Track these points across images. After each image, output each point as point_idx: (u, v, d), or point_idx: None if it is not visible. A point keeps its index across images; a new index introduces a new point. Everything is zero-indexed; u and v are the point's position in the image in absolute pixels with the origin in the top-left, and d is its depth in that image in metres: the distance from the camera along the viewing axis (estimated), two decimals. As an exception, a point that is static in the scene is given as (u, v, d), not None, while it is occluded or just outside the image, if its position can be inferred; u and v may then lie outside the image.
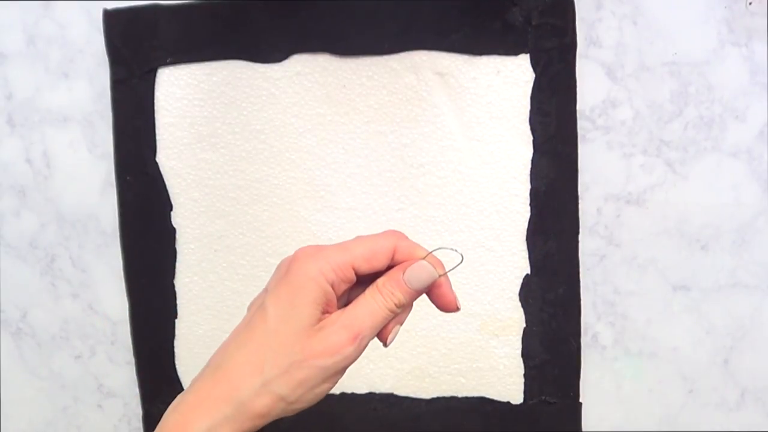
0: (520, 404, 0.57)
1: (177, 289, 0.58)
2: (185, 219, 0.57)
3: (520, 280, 0.56)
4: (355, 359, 0.35)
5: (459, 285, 0.56)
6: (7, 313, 0.60)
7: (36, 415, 0.61)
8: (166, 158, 0.56)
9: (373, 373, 0.58)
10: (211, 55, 0.55)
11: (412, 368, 0.57)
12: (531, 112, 0.54)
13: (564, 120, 0.54)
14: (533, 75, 0.53)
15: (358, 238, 0.35)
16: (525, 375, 0.57)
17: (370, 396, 0.58)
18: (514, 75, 0.54)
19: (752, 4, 0.53)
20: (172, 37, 0.54)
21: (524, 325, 0.56)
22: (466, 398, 0.57)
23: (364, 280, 0.36)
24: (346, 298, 0.36)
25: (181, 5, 0.54)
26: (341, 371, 0.34)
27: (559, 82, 0.53)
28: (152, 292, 0.58)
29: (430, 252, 0.36)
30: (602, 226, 0.56)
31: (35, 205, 0.58)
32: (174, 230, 0.57)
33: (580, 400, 0.57)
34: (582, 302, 0.56)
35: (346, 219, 0.56)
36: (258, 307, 0.35)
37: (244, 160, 0.56)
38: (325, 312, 0.34)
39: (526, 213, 0.55)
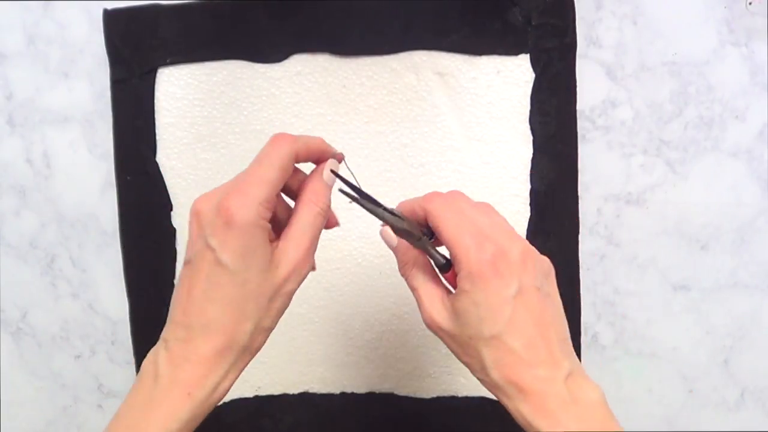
0: (520, 404, 0.57)
1: (177, 289, 0.58)
2: (185, 219, 0.56)
3: (520, 280, 0.55)
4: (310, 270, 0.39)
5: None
6: (7, 313, 0.60)
7: (36, 415, 0.61)
8: (166, 158, 0.56)
9: (374, 373, 0.58)
10: (211, 55, 0.54)
11: (412, 368, 0.57)
12: (531, 112, 0.54)
13: (564, 120, 0.54)
14: (533, 75, 0.53)
15: (261, 162, 0.37)
16: (525, 375, 0.57)
17: (371, 396, 0.58)
18: (514, 75, 0.54)
19: (752, 4, 0.53)
20: (172, 37, 0.54)
21: (524, 325, 0.56)
22: (467, 398, 0.57)
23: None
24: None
25: (181, 5, 0.54)
26: (297, 288, 0.39)
27: (559, 82, 0.53)
28: (152, 292, 0.58)
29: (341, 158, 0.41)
30: (602, 226, 0.56)
31: (35, 205, 0.58)
32: (174, 230, 0.57)
33: (580, 400, 0.57)
34: (582, 302, 0.56)
35: (346, 219, 0.56)
36: (210, 263, 0.36)
37: (245, 160, 0.55)
38: (272, 241, 0.38)
39: (526, 213, 0.55)
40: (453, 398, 0.58)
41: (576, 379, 0.36)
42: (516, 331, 0.36)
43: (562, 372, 0.36)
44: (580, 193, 0.55)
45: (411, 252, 0.41)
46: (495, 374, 0.37)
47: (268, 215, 0.36)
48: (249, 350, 0.38)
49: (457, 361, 0.58)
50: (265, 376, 0.58)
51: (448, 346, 0.39)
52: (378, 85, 0.54)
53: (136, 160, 0.56)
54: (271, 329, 0.39)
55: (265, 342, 0.39)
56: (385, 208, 0.40)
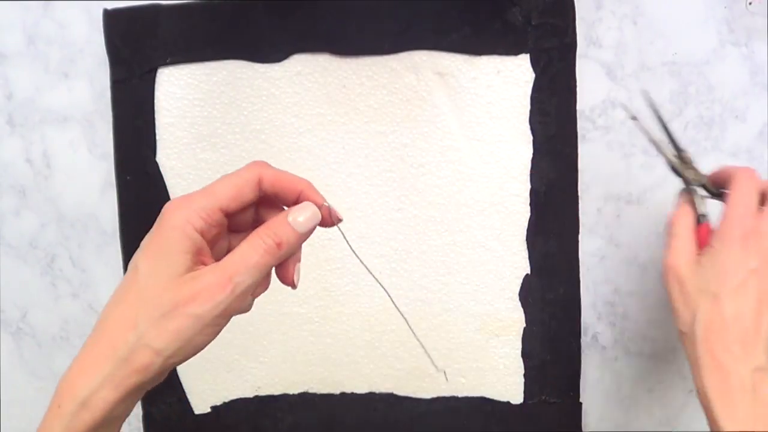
0: (520, 404, 0.57)
1: (177, 289, 0.57)
2: (185, 219, 0.56)
3: (520, 280, 0.56)
4: (234, 309, 0.34)
5: (459, 285, 0.56)
6: (7, 313, 0.60)
7: (36, 415, 0.61)
8: (166, 158, 0.56)
9: (373, 373, 0.58)
10: (211, 55, 0.55)
11: (412, 368, 0.57)
12: (531, 112, 0.54)
13: (564, 120, 0.54)
14: (533, 75, 0.53)
15: (222, 177, 0.35)
16: (525, 375, 0.57)
17: (371, 396, 0.58)
18: (514, 75, 0.54)
19: (752, 4, 0.53)
20: (172, 37, 0.54)
21: (524, 325, 0.56)
22: (466, 398, 0.57)
23: (243, 228, 0.36)
24: (227, 247, 0.36)
25: (181, 5, 0.54)
26: (217, 322, 0.33)
27: (559, 82, 0.53)
28: (152, 292, 0.58)
29: (325, 204, 0.37)
30: (602, 226, 0.56)
31: (35, 205, 0.58)
32: (174, 230, 0.57)
33: (580, 400, 0.57)
34: (582, 302, 0.56)
35: (346, 219, 0.56)
36: (131, 265, 0.34)
37: (244, 160, 0.56)
38: (199, 263, 0.34)
39: (526, 213, 0.55)
40: (453, 398, 0.58)
41: (764, 376, 0.38)
42: (735, 301, 0.39)
43: (755, 361, 0.38)
44: (580, 193, 0.55)
45: (688, 205, 0.45)
46: (699, 330, 0.40)
47: (201, 224, 0.33)
48: (129, 366, 0.33)
49: (458, 361, 0.58)
50: (265, 376, 0.58)
51: (671, 294, 0.43)
52: (378, 85, 0.54)
53: (136, 160, 0.56)
54: (160, 354, 0.33)
55: (156, 369, 0.33)
56: (676, 147, 0.47)
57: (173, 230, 0.33)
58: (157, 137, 0.56)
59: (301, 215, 0.35)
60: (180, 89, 0.55)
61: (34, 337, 0.60)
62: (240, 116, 0.55)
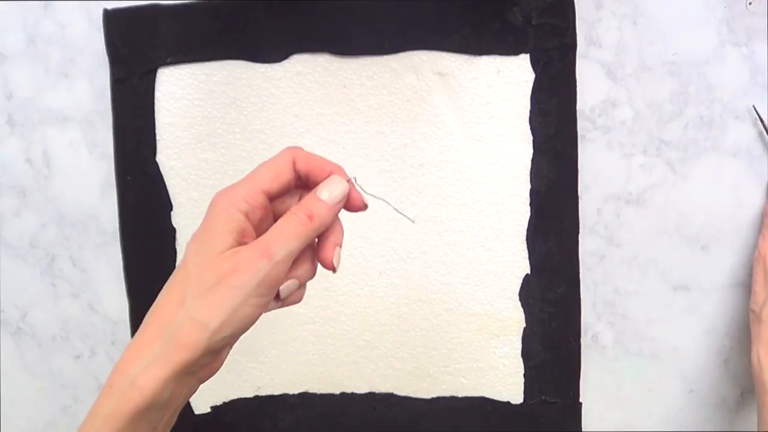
0: (520, 404, 0.57)
1: (177, 289, 0.57)
2: (185, 219, 0.57)
3: (520, 280, 0.56)
4: (274, 280, 0.35)
5: (459, 285, 0.56)
6: (7, 313, 0.60)
7: (36, 415, 0.61)
8: (166, 158, 0.56)
9: (373, 373, 0.58)
10: (211, 55, 0.55)
11: (412, 368, 0.57)
12: (531, 112, 0.54)
13: (564, 120, 0.54)
14: (533, 75, 0.53)
15: (260, 165, 0.37)
16: (525, 375, 0.57)
17: (371, 396, 0.58)
18: (514, 75, 0.54)
19: (752, 4, 0.53)
20: (172, 37, 0.54)
21: (524, 325, 0.56)
22: (466, 398, 0.57)
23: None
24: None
25: (181, 5, 0.54)
26: (258, 292, 0.35)
27: (559, 82, 0.53)
28: (152, 292, 0.57)
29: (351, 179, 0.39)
30: (602, 226, 0.56)
31: (35, 205, 0.58)
32: (174, 230, 0.57)
33: (580, 400, 0.57)
34: (582, 302, 0.56)
35: (345, 219, 0.56)
36: (185, 252, 0.37)
37: (244, 160, 0.56)
38: (242, 243, 0.36)
39: (526, 213, 0.55)
40: (453, 398, 0.58)
41: None
42: None
43: None
44: (580, 193, 0.55)
45: None
46: (765, 312, 0.50)
47: (245, 206, 0.35)
48: (177, 342, 0.34)
49: (457, 361, 0.58)
50: (265, 376, 0.58)
51: (754, 276, 0.52)
52: (378, 85, 0.54)
53: (136, 160, 0.56)
54: (206, 328, 0.34)
55: (203, 345, 0.34)
56: None
57: (219, 213, 0.35)
58: (157, 137, 0.56)
59: (329, 187, 0.37)
60: (180, 89, 0.55)
61: (34, 337, 0.60)
62: (240, 116, 0.55)
